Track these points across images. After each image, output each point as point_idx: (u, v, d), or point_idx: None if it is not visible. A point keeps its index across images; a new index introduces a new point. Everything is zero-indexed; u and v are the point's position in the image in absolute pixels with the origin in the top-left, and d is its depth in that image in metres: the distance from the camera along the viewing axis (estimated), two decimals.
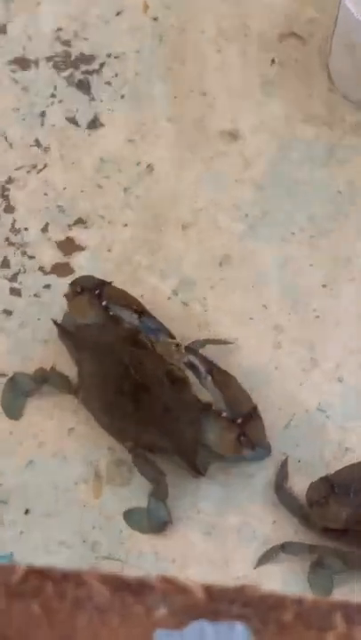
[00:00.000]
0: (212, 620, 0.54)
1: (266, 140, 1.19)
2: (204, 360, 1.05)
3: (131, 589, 0.55)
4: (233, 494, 1.04)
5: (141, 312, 1.07)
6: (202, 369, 1.05)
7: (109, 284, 1.09)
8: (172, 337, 1.07)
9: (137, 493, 1.04)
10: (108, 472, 1.06)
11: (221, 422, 1.02)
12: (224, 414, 1.03)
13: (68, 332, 1.07)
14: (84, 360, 1.05)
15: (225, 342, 1.10)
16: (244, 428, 1.02)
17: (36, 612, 0.54)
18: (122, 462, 1.05)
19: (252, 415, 1.03)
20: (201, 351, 1.06)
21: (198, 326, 1.11)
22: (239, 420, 1.02)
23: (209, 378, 1.04)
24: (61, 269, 1.14)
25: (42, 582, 0.56)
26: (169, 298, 1.13)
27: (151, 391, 1.02)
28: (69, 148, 1.19)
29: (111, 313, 1.07)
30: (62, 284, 1.11)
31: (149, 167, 1.18)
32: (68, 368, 1.07)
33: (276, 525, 1.03)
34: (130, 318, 1.07)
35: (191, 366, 1.05)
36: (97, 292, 1.07)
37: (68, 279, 1.12)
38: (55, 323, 1.08)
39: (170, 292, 1.13)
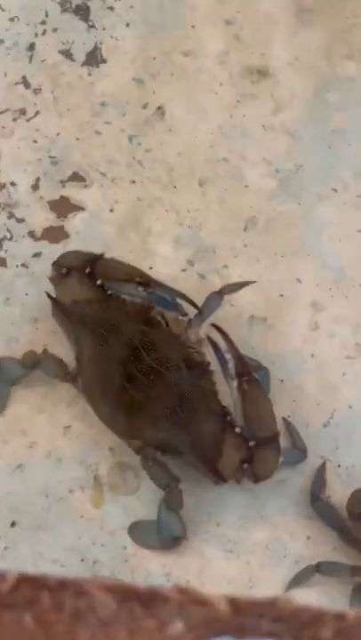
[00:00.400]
0: (238, 638, 0.56)
1: (301, 79, 1.20)
2: (239, 359, 1.04)
3: (140, 600, 0.56)
4: (260, 504, 1.06)
5: (147, 283, 1.08)
6: (231, 366, 1.04)
7: (101, 257, 1.09)
8: (195, 305, 1.08)
9: (145, 503, 1.06)
10: (109, 477, 1.07)
11: (231, 437, 1.03)
12: (238, 429, 1.03)
13: (63, 308, 1.07)
14: (84, 341, 1.06)
15: (247, 283, 1.10)
16: (254, 454, 1.02)
17: (30, 624, 0.56)
18: (127, 466, 1.07)
19: (271, 443, 1.03)
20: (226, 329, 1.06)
21: None
22: (252, 443, 1.02)
23: (235, 382, 1.04)
24: (54, 234, 1.15)
25: (36, 591, 0.57)
26: (183, 269, 1.14)
27: (165, 378, 1.03)
28: (64, 87, 1.20)
29: (110, 292, 1.08)
30: (55, 252, 1.13)
31: (160, 110, 1.19)
32: (64, 351, 1.09)
33: (310, 541, 1.05)
34: (135, 292, 1.07)
35: (214, 346, 1.05)
36: (87, 270, 1.08)
37: (62, 245, 1.14)
38: (49, 296, 1.08)
39: (185, 262, 1.15)
